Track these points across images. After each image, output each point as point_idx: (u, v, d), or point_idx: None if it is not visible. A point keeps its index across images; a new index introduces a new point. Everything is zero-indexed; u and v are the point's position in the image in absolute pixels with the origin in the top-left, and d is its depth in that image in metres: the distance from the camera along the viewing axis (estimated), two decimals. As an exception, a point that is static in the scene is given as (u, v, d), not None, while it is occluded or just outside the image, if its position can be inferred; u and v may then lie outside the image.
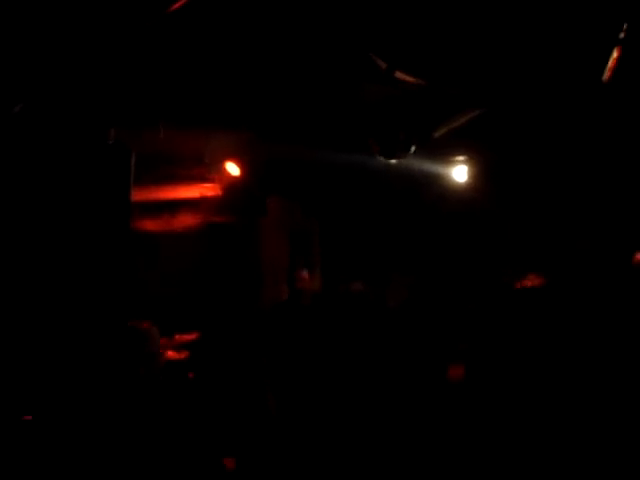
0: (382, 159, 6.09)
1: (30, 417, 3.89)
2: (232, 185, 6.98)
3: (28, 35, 4.22)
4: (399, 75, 4.42)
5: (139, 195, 5.09)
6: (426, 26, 4.08)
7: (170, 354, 5.99)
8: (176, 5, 4.33)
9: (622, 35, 4.25)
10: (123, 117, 4.63)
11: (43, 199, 4.17)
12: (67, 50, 4.38)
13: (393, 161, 6.16)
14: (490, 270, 6.69)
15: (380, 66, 4.32)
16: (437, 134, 6.28)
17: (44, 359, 4.09)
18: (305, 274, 5.55)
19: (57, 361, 4.11)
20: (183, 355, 6.00)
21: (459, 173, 6.88)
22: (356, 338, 6.32)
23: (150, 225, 6.66)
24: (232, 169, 6.81)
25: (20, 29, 4.17)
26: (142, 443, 3.73)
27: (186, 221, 6.98)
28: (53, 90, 4.39)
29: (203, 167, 6.80)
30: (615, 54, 4.33)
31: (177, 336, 6.07)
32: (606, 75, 4.38)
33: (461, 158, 6.83)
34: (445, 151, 6.66)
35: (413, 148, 6.15)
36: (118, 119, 4.52)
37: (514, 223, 6.74)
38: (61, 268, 4.21)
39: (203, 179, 6.96)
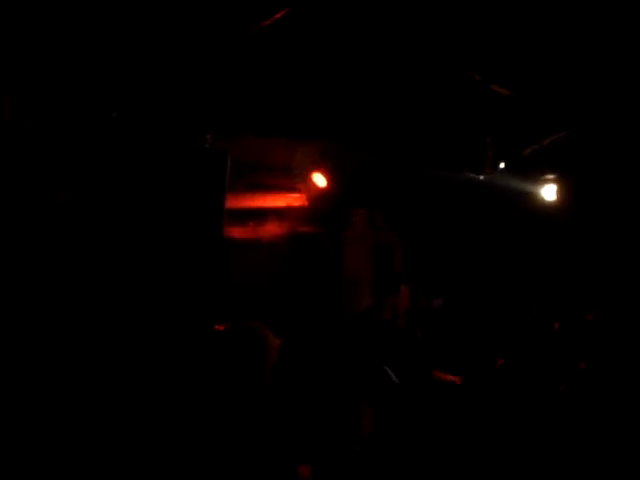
0: (470, 174, 6.06)
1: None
2: (318, 196, 7.04)
3: (125, 42, 4.40)
4: (494, 88, 4.39)
5: (228, 202, 5.19)
6: (522, 41, 4.05)
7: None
8: (268, 21, 4.45)
9: None
10: (217, 124, 4.76)
11: (140, 202, 4.28)
12: (164, 57, 4.54)
13: (481, 177, 6.12)
14: (576, 293, 6.53)
15: (475, 79, 4.30)
16: (527, 151, 6.20)
17: (131, 362, 4.15)
18: (405, 289, 5.57)
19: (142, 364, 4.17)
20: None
21: (548, 192, 6.75)
22: (441, 353, 6.26)
23: (236, 233, 6.77)
24: (319, 180, 6.88)
25: (117, 36, 4.35)
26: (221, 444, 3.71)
27: (272, 230, 7.08)
28: (150, 95, 4.55)
29: (290, 177, 6.88)
30: None
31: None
32: None
33: (551, 177, 6.70)
34: (535, 169, 6.56)
35: (502, 164, 6.10)
36: (213, 125, 4.64)
37: (605, 244, 6.56)
38: (153, 271, 4.30)
39: (290, 189, 7.04)
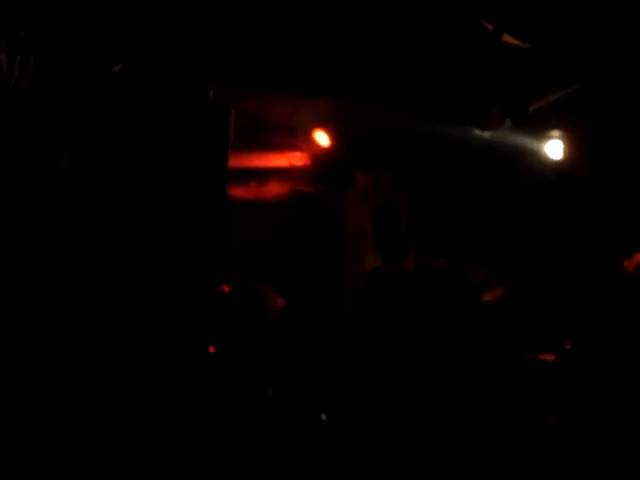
0: (475, 131, 5.97)
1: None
2: (321, 155, 6.94)
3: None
4: (506, 38, 4.29)
5: (229, 161, 5.09)
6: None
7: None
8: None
9: None
10: (220, 78, 4.65)
11: (142, 160, 4.18)
12: (166, 8, 4.43)
13: (487, 133, 6.03)
14: (585, 251, 6.48)
15: (487, 29, 4.20)
16: (533, 108, 6.10)
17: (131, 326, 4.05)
18: (412, 250, 5.55)
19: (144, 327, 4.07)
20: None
21: (553, 149, 6.66)
22: (439, 314, 6.22)
23: (238, 192, 6.68)
24: (321, 138, 6.78)
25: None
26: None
27: (274, 190, 6.99)
28: (153, 49, 4.44)
29: (292, 136, 6.78)
30: None
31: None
32: None
33: (556, 133, 6.60)
34: (540, 126, 6.45)
35: (508, 121, 6.00)
36: (216, 79, 4.53)
37: (611, 203, 6.48)
38: (155, 231, 4.21)
39: (292, 148, 6.94)
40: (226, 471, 2.92)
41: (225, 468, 2.90)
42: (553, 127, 6.53)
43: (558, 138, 6.62)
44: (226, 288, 6.04)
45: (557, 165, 6.70)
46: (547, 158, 6.71)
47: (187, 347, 3.97)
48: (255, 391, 3.09)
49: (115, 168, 4.15)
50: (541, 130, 6.59)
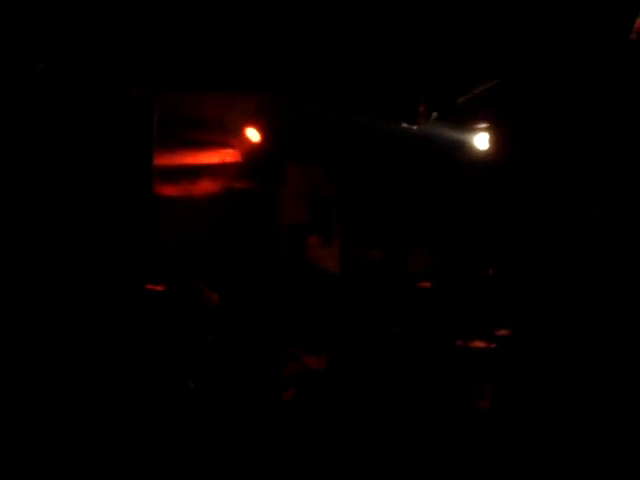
0: (404, 124, 6.05)
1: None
2: (252, 151, 6.94)
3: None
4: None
5: (158, 160, 5.05)
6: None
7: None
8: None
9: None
10: (144, 76, 4.62)
11: (63, 153, 4.13)
12: (91, 7, 4.38)
13: (415, 127, 6.12)
14: (513, 237, 6.64)
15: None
16: (459, 101, 6.21)
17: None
18: (314, 239, 5.60)
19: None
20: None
21: (481, 140, 6.80)
22: (374, 306, 6.30)
23: (169, 191, 6.64)
24: (252, 135, 6.79)
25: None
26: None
27: (206, 187, 6.95)
28: (78, 46, 4.39)
29: (223, 133, 6.77)
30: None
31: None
32: (633, 36, 4.31)
33: (484, 125, 6.74)
34: (468, 118, 6.58)
35: (435, 114, 6.10)
36: (140, 77, 4.51)
37: (537, 191, 6.65)
38: (77, 229, 4.15)
39: (223, 145, 6.92)
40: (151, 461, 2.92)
41: (149, 458, 2.89)
42: (479, 120, 6.67)
43: (485, 130, 6.76)
44: (159, 287, 6.03)
45: (485, 156, 6.84)
46: (476, 150, 6.85)
47: (113, 344, 3.94)
48: (176, 384, 3.09)
49: (38, 164, 4.10)
50: (468, 123, 6.72)
